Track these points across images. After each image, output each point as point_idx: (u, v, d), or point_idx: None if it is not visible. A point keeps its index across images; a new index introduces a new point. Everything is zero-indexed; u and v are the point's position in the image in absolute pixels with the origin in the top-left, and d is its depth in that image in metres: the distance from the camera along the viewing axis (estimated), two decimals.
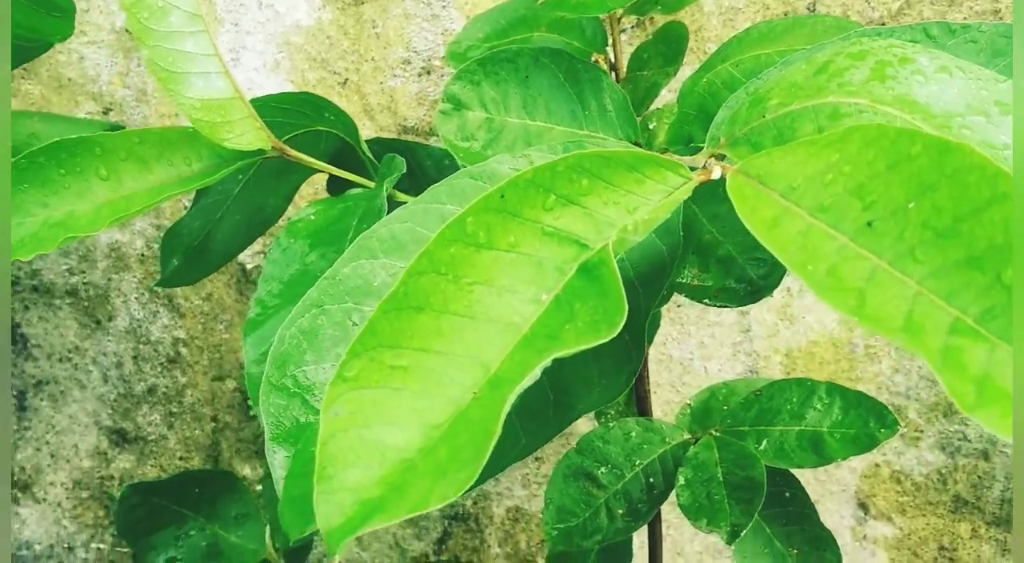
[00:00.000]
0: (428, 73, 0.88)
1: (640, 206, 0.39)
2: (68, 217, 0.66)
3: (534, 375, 0.34)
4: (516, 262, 0.38)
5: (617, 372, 0.47)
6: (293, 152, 0.68)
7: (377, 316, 0.36)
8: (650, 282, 0.49)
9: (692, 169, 0.42)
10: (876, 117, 0.38)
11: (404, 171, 0.62)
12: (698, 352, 0.90)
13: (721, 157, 0.43)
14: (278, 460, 0.46)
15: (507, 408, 0.33)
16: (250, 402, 1.00)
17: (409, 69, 0.88)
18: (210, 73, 0.63)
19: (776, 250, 0.34)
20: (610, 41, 0.71)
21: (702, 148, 0.60)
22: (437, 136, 0.90)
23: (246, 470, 1.02)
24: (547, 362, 0.34)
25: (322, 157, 0.74)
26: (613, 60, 0.71)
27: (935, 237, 0.31)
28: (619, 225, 0.38)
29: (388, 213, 0.58)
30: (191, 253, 0.75)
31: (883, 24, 0.84)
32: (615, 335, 0.34)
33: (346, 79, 0.89)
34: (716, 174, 0.39)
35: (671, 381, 0.92)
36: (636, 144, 0.63)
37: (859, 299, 0.32)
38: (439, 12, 0.86)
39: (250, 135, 0.65)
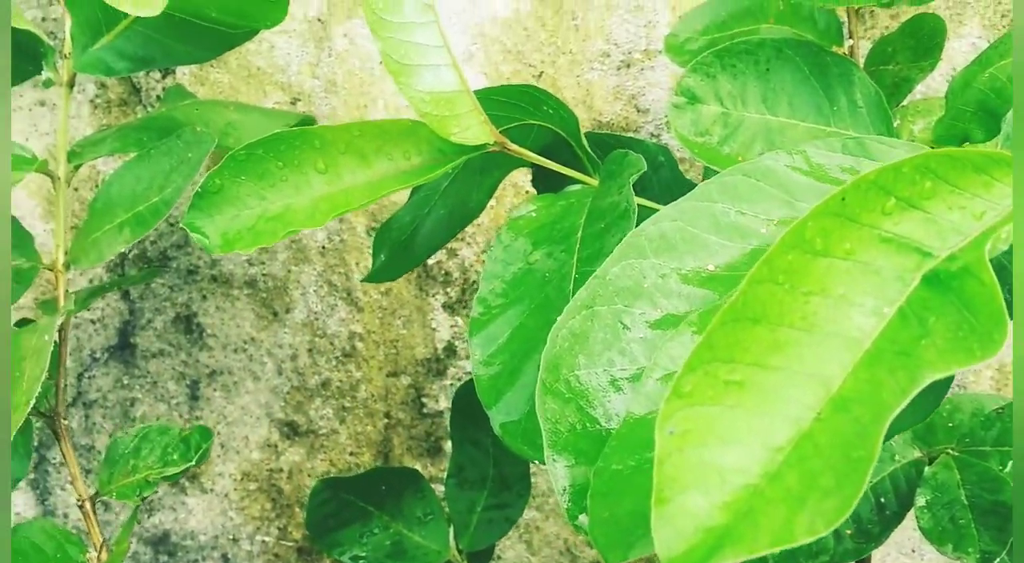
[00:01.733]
0: (627, 66, 0.85)
1: (987, 211, 0.36)
2: (285, 210, 0.64)
3: (908, 398, 0.30)
4: (852, 271, 0.35)
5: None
6: (514, 146, 0.65)
7: (715, 328, 0.33)
8: None
9: None
10: None
11: (644, 168, 0.59)
12: None
13: None
14: (559, 470, 0.43)
15: (882, 434, 0.30)
16: (424, 399, 0.99)
17: (608, 62, 0.85)
18: (439, 66, 0.61)
19: None
20: (846, 33, 0.67)
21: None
22: (633, 132, 0.87)
23: (416, 468, 1.00)
24: (923, 385, 0.30)
25: (532, 150, 0.72)
26: (849, 53, 0.67)
27: None
28: (964, 231, 0.35)
29: (634, 212, 0.56)
30: (397, 248, 0.73)
31: None
32: (992, 356, 0.31)
33: (541, 72, 0.86)
34: None
35: None
36: None
37: None
38: (643, 3, 0.83)
39: (475, 129, 0.63)
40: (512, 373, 0.58)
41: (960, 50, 0.81)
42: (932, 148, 0.60)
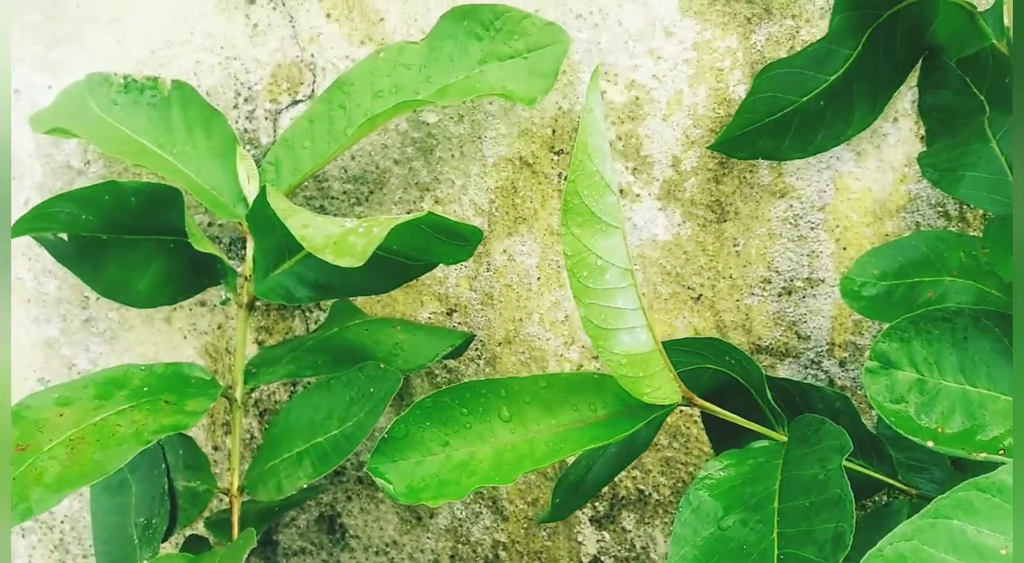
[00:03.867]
0: (789, 294, 0.85)
1: None
2: (470, 458, 0.65)
3: None
4: None
5: None
6: (701, 402, 0.66)
7: None
8: None
9: None
10: None
11: (851, 449, 0.59)
12: None
13: None
14: None
15: None
16: None
17: (769, 288, 0.86)
18: (635, 328, 0.61)
19: None
20: None
21: None
22: (793, 357, 0.87)
23: None
24: None
25: (702, 390, 0.72)
26: None
27: None
28: None
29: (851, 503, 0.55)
30: (571, 488, 0.73)
31: None
32: None
33: (700, 295, 0.87)
34: None
35: None
36: None
37: None
38: (807, 234, 0.84)
39: (666, 388, 0.63)
40: None
41: None
42: None
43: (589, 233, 0.58)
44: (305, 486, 0.70)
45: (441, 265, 0.90)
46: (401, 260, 0.74)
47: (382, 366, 0.71)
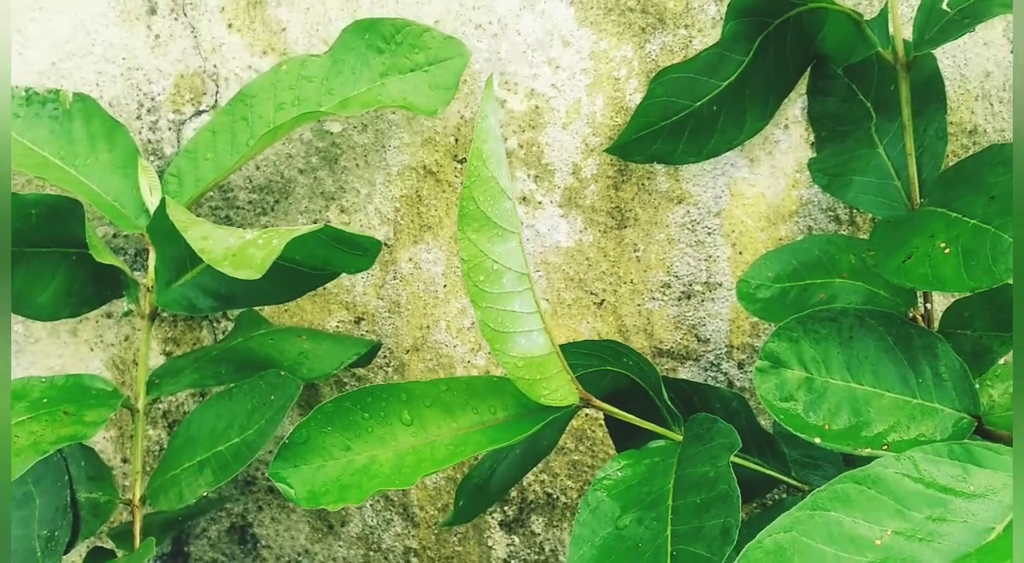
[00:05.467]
0: (688, 298, 0.87)
1: None
2: (371, 462, 0.65)
3: None
4: None
5: None
6: (598, 403, 0.67)
7: None
8: None
9: None
10: None
11: (739, 447, 0.60)
12: None
13: None
14: None
15: None
16: None
17: (669, 293, 0.87)
18: (532, 331, 0.62)
19: None
20: (919, 294, 0.69)
21: None
22: (693, 360, 0.89)
23: None
24: None
25: (603, 392, 0.73)
26: (924, 315, 0.69)
27: None
28: None
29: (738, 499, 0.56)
30: (474, 492, 0.74)
31: None
32: None
33: (603, 300, 0.88)
34: None
35: None
36: (975, 417, 0.61)
37: None
38: (704, 239, 0.86)
39: (563, 390, 0.64)
40: None
41: None
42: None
43: (485, 238, 0.59)
44: (207, 495, 0.70)
45: (348, 274, 0.90)
46: (303, 270, 0.75)
47: (282, 374, 0.71)
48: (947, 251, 0.57)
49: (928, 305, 0.68)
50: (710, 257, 0.86)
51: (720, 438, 0.62)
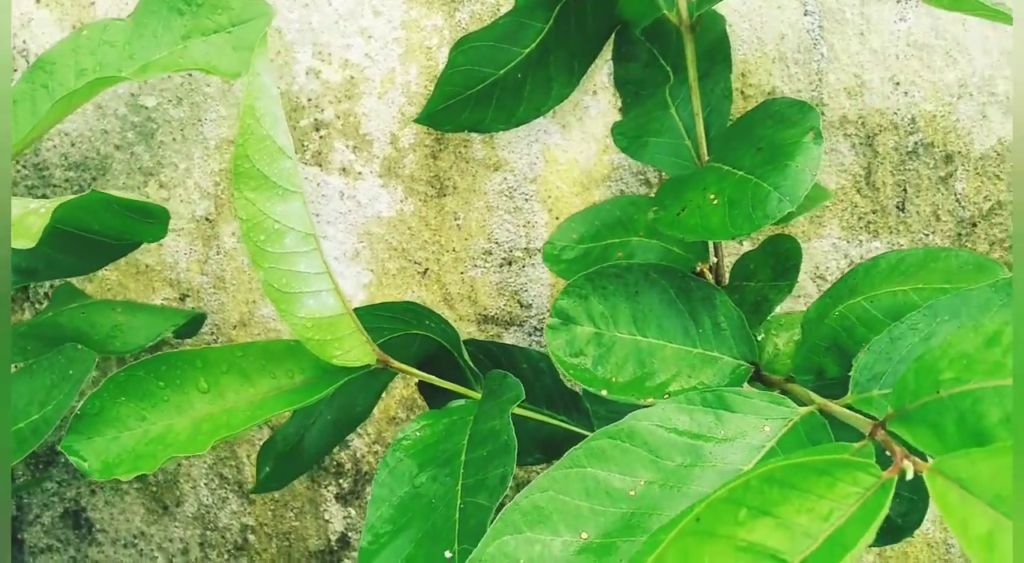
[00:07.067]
0: (509, 264, 0.88)
1: (833, 511, 0.38)
2: (167, 431, 0.65)
3: None
4: None
5: None
6: (397, 364, 0.67)
7: None
8: None
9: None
10: None
11: (523, 397, 0.61)
12: None
13: (893, 435, 0.42)
14: None
15: None
16: None
17: (490, 260, 0.88)
18: (321, 291, 0.62)
19: None
20: (711, 248, 0.70)
21: (834, 381, 0.59)
22: (518, 325, 0.90)
23: None
24: None
25: (413, 358, 0.73)
26: (715, 269, 0.70)
27: None
28: (814, 533, 0.37)
29: (514, 446, 0.57)
30: (283, 458, 0.73)
31: (974, 225, 0.84)
32: None
33: (426, 269, 0.89)
34: (910, 473, 0.38)
35: None
36: (752, 364, 0.62)
37: None
38: (521, 205, 0.87)
39: (357, 351, 0.64)
40: None
41: (821, 249, 0.85)
42: (792, 379, 0.63)
43: (264, 197, 0.59)
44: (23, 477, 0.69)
45: (171, 251, 0.89)
46: (104, 240, 0.74)
47: (79, 347, 0.70)
48: (715, 202, 0.59)
49: (717, 258, 0.70)
50: (528, 223, 0.87)
51: (508, 391, 0.63)
